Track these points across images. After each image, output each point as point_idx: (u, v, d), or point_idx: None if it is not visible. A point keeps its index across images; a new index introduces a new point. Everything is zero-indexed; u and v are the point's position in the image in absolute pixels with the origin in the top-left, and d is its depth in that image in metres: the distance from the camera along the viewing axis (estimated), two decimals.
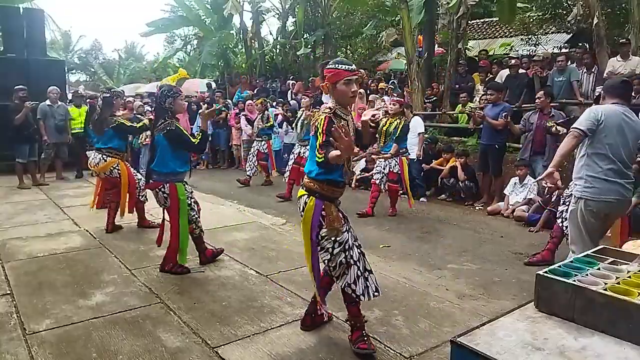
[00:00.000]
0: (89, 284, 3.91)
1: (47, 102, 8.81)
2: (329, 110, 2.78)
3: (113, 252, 4.74)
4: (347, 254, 2.83)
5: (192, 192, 4.25)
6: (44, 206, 6.86)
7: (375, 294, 2.87)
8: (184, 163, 4.14)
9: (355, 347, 2.84)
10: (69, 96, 11.62)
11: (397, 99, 6.96)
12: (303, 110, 7.75)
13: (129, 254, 4.71)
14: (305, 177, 2.93)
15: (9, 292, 3.77)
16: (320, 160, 2.66)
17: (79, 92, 11.25)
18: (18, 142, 8.29)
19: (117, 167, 5.40)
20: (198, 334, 3.09)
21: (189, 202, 4.15)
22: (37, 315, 3.34)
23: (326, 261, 2.85)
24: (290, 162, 7.68)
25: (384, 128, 6.34)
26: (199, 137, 4.07)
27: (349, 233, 2.89)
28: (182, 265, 4.19)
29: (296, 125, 7.75)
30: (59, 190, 8.14)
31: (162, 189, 4.04)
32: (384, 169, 6.45)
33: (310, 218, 2.82)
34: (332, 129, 2.58)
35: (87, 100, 7.48)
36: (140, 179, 5.71)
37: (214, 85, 15.56)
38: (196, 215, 4.25)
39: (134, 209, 5.64)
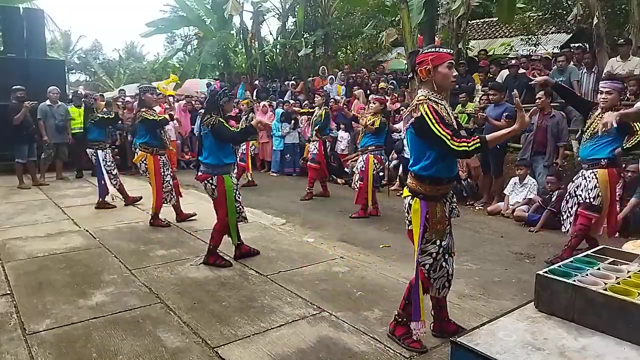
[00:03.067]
0: (89, 284, 3.91)
1: (47, 102, 8.81)
2: (424, 97, 2.65)
3: (113, 252, 4.73)
4: (447, 256, 2.82)
5: (238, 184, 4.44)
6: (44, 206, 6.86)
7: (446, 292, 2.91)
8: (229, 154, 4.32)
9: (404, 343, 2.89)
10: (69, 96, 11.62)
11: (378, 97, 6.85)
12: (315, 108, 7.87)
13: (129, 254, 4.71)
14: (409, 174, 2.81)
15: (9, 292, 3.77)
16: (463, 149, 2.49)
17: (79, 92, 11.24)
18: (17, 142, 8.29)
19: (144, 161, 5.67)
20: (198, 334, 3.09)
21: (235, 193, 4.34)
22: (37, 315, 3.33)
23: (427, 265, 2.78)
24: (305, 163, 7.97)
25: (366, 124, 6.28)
26: (241, 129, 4.26)
27: (450, 235, 2.85)
28: (224, 258, 4.41)
29: (311, 124, 7.89)
30: (59, 190, 8.14)
31: (210, 181, 4.21)
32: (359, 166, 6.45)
33: (418, 220, 2.72)
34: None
35: (83, 100, 7.46)
36: (167, 180, 5.77)
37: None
38: (240, 207, 4.44)
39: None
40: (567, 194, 4.58)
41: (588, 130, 4.26)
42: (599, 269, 1.97)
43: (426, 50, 2.71)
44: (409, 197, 2.77)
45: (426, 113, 2.57)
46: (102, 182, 6.54)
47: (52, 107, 8.83)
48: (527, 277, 4.03)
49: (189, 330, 3.14)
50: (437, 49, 2.70)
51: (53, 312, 3.39)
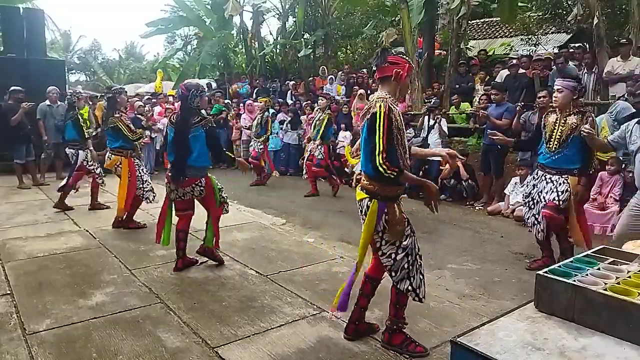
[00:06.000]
0: (89, 284, 3.91)
1: (47, 102, 8.80)
2: (385, 97, 2.63)
3: (113, 252, 4.74)
4: (409, 258, 2.79)
5: (216, 179, 4.43)
6: (44, 206, 6.85)
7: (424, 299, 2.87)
8: (209, 158, 4.38)
9: (407, 350, 2.83)
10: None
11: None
12: (318, 111, 7.84)
13: (129, 254, 4.71)
14: (363, 176, 2.80)
15: (9, 292, 3.77)
16: (383, 168, 2.53)
17: (78, 92, 11.23)
18: (14, 143, 8.28)
19: (119, 165, 5.54)
20: (198, 334, 3.09)
21: (220, 186, 4.38)
22: (37, 315, 3.33)
23: (389, 266, 2.78)
24: (305, 161, 7.89)
25: None
26: (227, 152, 4.48)
27: (412, 238, 2.81)
28: (193, 258, 4.39)
29: (313, 125, 7.86)
30: None
31: (199, 184, 4.18)
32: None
33: (374, 222, 2.71)
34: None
35: (67, 97, 7.25)
36: (146, 180, 5.74)
37: (214, 85, 15.56)
38: (226, 195, 4.48)
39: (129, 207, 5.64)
40: (530, 199, 4.41)
41: (553, 140, 4.17)
42: (599, 269, 1.97)
43: (402, 56, 2.79)
44: (367, 199, 2.73)
45: (380, 112, 2.58)
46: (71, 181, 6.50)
47: (51, 107, 8.80)
48: (527, 277, 4.03)
49: (189, 330, 3.15)
50: (407, 59, 2.79)
51: (53, 312, 3.39)
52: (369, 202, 2.72)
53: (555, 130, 4.18)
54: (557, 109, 4.23)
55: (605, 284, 1.78)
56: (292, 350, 2.89)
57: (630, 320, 1.59)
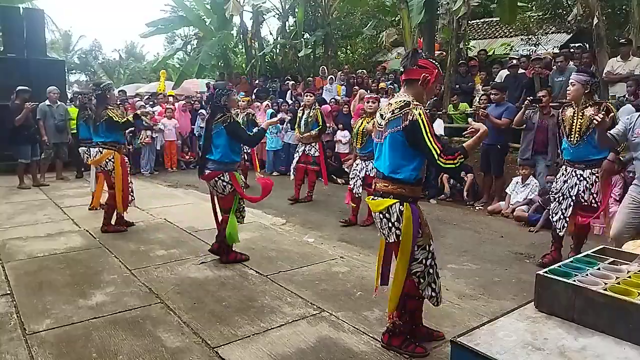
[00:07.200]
0: (89, 284, 3.91)
1: (47, 102, 8.80)
2: (416, 103, 2.59)
3: (113, 252, 4.73)
4: (434, 262, 2.77)
5: (245, 182, 4.45)
6: (44, 206, 6.85)
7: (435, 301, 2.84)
8: (238, 153, 4.46)
9: (407, 350, 2.80)
10: (69, 96, 11.63)
11: (375, 96, 6.38)
12: (303, 109, 7.57)
13: (129, 254, 4.71)
14: (384, 182, 2.71)
15: (9, 292, 3.77)
16: (450, 166, 2.47)
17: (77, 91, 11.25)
18: (19, 143, 8.27)
19: (111, 159, 5.40)
20: (198, 334, 3.09)
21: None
22: (37, 315, 3.33)
23: (418, 273, 2.71)
24: (294, 163, 7.40)
25: (361, 129, 5.82)
26: (256, 133, 4.51)
27: (432, 240, 2.80)
28: (242, 253, 4.57)
29: (299, 124, 7.47)
30: (59, 190, 8.13)
31: (222, 178, 4.25)
32: (360, 172, 5.91)
33: (412, 228, 2.61)
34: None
35: (77, 97, 7.27)
36: (131, 181, 5.68)
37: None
38: (242, 205, 4.54)
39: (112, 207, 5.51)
40: (560, 194, 4.43)
41: (573, 133, 4.24)
42: (599, 269, 1.97)
43: (432, 61, 2.72)
44: (397, 204, 2.64)
45: (421, 120, 2.52)
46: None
47: (51, 107, 8.82)
48: (527, 277, 4.02)
49: (189, 330, 3.14)
50: (436, 64, 2.73)
51: (53, 312, 3.39)
52: (401, 207, 2.63)
53: (574, 124, 4.25)
54: (572, 103, 4.32)
55: (605, 284, 1.79)
56: (292, 350, 2.89)
57: (630, 320, 1.59)
